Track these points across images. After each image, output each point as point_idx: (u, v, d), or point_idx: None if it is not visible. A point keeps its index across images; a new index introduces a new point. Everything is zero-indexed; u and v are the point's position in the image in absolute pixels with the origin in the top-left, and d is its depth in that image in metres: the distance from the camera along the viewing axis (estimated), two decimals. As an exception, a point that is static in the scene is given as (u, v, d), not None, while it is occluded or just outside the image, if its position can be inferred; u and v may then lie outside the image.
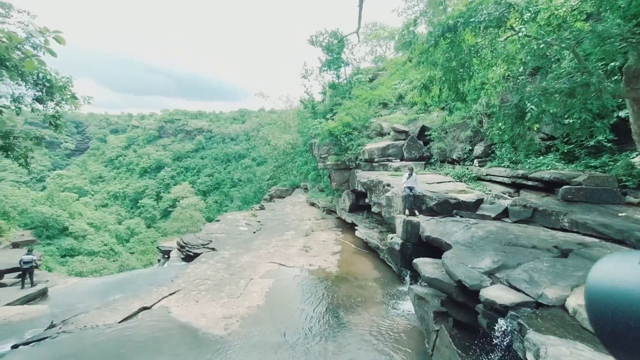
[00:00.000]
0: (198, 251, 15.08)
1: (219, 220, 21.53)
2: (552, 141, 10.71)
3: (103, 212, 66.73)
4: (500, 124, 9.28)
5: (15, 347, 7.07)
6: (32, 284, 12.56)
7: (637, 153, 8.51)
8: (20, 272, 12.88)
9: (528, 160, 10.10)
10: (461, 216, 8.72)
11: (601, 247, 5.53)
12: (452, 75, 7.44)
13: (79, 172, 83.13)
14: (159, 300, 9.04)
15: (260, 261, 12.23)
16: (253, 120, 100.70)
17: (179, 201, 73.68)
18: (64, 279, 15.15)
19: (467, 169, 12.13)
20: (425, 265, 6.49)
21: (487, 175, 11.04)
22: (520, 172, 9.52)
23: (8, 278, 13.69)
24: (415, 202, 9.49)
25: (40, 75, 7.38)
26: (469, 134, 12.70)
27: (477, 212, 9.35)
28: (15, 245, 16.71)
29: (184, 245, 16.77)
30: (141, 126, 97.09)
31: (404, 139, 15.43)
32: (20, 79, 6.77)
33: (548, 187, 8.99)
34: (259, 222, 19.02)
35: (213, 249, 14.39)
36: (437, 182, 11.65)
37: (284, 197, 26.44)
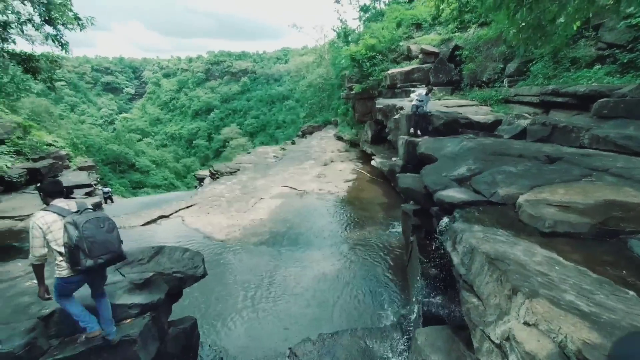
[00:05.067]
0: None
1: (249, 153, 22.58)
2: (611, 50, 8.78)
3: (162, 151, 73.56)
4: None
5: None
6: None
7: None
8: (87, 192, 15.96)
9: (563, 75, 8.51)
10: (470, 135, 7.95)
11: (604, 157, 4.75)
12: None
13: (140, 115, 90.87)
14: (176, 212, 10.20)
15: (274, 185, 12.83)
16: (296, 59, 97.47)
17: (228, 142, 78.04)
18: (120, 199, 17.73)
19: (496, 91, 10.68)
20: (406, 178, 6.24)
21: (515, 96, 9.65)
22: (550, 87, 8.12)
23: (77, 193, 16.41)
24: (420, 122, 8.82)
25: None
26: (503, 50, 10.90)
27: (494, 134, 8.46)
28: (81, 169, 19.64)
29: (215, 172, 18.21)
30: (190, 69, 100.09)
31: (433, 62, 13.84)
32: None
33: (582, 103, 7.61)
34: (283, 154, 19.54)
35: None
36: (459, 106, 10.58)
37: (313, 133, 26.43)
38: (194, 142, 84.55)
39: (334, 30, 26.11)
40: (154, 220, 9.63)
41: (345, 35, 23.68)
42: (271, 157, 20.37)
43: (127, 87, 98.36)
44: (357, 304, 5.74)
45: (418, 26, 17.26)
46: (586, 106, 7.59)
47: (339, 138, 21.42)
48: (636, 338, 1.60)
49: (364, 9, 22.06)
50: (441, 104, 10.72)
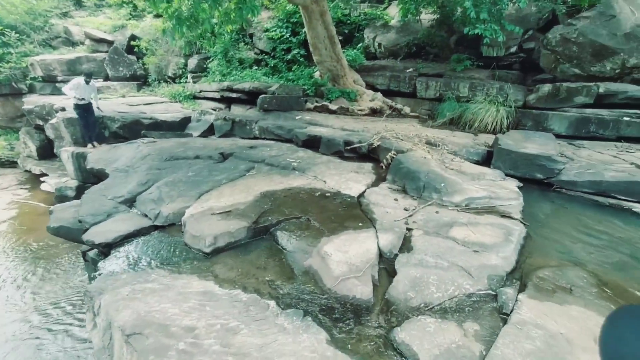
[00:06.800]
0: None
1: None
2: (263, 55, 10.67)
3: None
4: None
5: None
6: None
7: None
8: None
9: (234, 73, 9.51)
10: (151, 137, 6.98)
11: (265, 147, 5.37)
12: None
13: None
14: None
15: None
16: None
17: None
18: None
19: (183, 87, 10.39)
20: (65, 210, 4.35)
21: (201, 92, 9.75)
22: (226, 84, 8.74)
23: None
24: (91, 128, 6.79)
25: None
26: (182, 46, 10.71)
27: (185, 133, 8.01)
28: None
29: None
30: None
31: (106, 51, 11.44)
32: None
33: (252, 98, 8.69)
34: None
35: None
36: (146, 104, 9.32)
37: None
38: None
39: None
40: None
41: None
42: None
43: None
44: None
45: (79, 3, 13.69)
46: (254, 101, 8.80)
47: (-19, 157, 13.84)
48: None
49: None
50: (124, 102, 9.02)
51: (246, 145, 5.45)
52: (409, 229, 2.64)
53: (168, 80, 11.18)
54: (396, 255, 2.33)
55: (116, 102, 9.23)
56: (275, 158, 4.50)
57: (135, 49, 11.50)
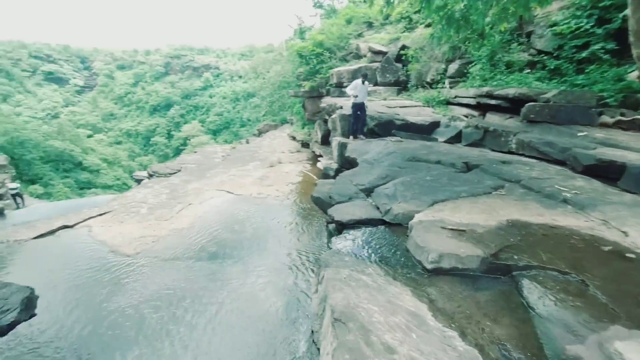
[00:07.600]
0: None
1: (196, 152, 21.08)
2: (541, 56, 8.72)
3: (116, 149, 68.00)
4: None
5: None
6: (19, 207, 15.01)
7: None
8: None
9: (498, 77, 8.31)
10: (399, 137, 7.41)
11: (522, 165, 4.28)
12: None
13: (90, 110, 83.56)
14: (85, 220, 8.73)
15: (208, 188, 11.63)
16: (261, 56, 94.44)
17: (189, 140, 73.93)
18: (33, 202, 15.71)
19: (438, 92, 10.37)
20: (324, 186, 5.48)
21: (455, 97, 9.32)
22: (485, 89, 7.82)
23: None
24: (358, 124, 8.15)
25: None
26: (446, 50, 10.62)
27: (430, 136, 8.03)
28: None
29: (153, 174, 16.63)
30: (147, 62, 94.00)
31: (381, 61, 13.39)
32: None
33: (515, 107, 7.34)
34: (229, 155, 18.34)
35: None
36: (401, 107, 10.11)
37: (268, 132, 25.40)
38: (151, 139, 79.44)
39: (290, 27, 25.30)
40: (51, 232, 8.11)
41: (301, 32, 22.86)
42: (219, 156, 19.04)
43: (74, 77, 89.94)
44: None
45: (370, 25, 16.85)
46: (517, 110, 7.35)
47: (293, 138, 20.54)
48: None
49: (317, 5, 21.41)
50: (383, 104, 10.22)
51: (497, 159, 4.60)
52: None
53: (425, 85, 11.57)
54: None
55: (378, 103, 10.63)
56: (536, 181, 3.46)
57: (403, 57, 12.68)
